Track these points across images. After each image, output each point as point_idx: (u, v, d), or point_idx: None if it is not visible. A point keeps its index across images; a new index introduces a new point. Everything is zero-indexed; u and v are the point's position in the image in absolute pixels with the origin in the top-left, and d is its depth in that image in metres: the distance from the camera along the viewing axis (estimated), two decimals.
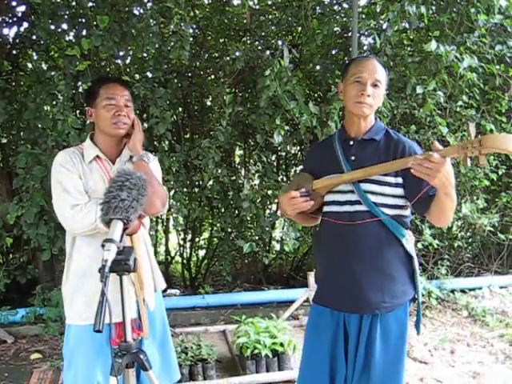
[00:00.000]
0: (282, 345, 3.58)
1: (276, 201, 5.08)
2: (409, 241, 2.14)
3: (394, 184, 2.07)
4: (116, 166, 2.22)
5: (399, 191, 2.08)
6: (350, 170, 2.11)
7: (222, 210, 5.34)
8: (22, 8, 4.48)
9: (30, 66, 4.67)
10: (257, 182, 4.99)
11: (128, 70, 4.58)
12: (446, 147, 1.84)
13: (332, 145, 2.22)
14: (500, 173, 5.30)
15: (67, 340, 2.23)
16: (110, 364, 2.15)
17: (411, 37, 5.00)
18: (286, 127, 4.23)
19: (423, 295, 5.09)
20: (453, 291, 5.27)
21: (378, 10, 4.75)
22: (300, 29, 5.29)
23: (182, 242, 5.79)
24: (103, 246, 1.60)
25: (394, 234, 2.08)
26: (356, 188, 2.08)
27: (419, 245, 5.05)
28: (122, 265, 1.64)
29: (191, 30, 4.82)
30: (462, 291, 5.36)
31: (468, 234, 5.89)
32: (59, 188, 2.13)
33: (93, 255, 2.13)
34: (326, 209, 2.20)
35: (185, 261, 5.84)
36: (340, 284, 2.14)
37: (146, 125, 4.63)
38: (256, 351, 3.53)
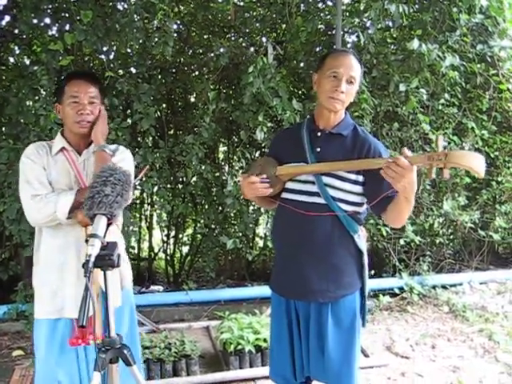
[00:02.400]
0: (265, 340, 3.59)
1: None
2: (361, 237, 2.20)
3: (354, 181, 2.11)
4: (83, 157, 2.23)
5: (358, 189, 2.12)
6: (315, 160, 2.14)
7: (206, 207, 5.34)
8: (3, 1, 4.42)
9: (12, 60, 4.61)
10: (241, 178, 4.98)
11: (112, 65, 4.55)
12: (415, 154, 1.88)
13: (299, 133, 2.25)
14: None
15: (35, 335, 2.24)
16: (74, 364, 2.17)
17: (394, 35, 5.03)
18: (270, 124, 4.24)
19: (405, 291, 5.15)
20: (434, 287, 5.32)
21: (361, 8, 4.77)
22: (284, 26, 5.29)
23: (165, 239, 5.77)
24: (87, 241, 1.61)
25: (347, 230, 2.14)
26: (317, 180, 2.12)
27: (401, 241, 5.10)
28: (106, 260, 1.65)
29: (175, 26, 4.83)
30: (443, 287, 5.42)
31: (449, 230, 5.96)
32: (22, 179, 2.15)
33: (58, 247, 2.15)
34: (284, 195, 2.24)
35: (168, 257, 5.83)
36: (289, 272, 2.22)
37: (129, 120, 4.61)
38: (239, 347, 3.55)
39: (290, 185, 2.21)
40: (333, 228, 2.12)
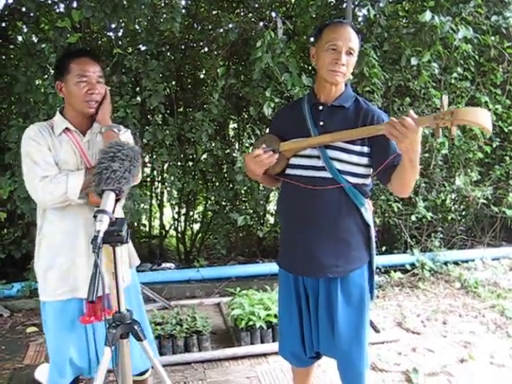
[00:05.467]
0: (276, 316, 3.60)
1: None
2: (367, 209, 2.20)
3: (360, 153, 2.10)
4: (87, 138, 2.20)
5: (365, 160, 2.12)
6: (318, 134, 2.13)
7: (216, 184, 5.33)
8: None
9: (19, 38, 4.59)
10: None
11: (120, 42, 4.52)
12: (421, 116, 1.88)
13: (301, 108, 2.23)
14: (494, 145, 5.31)
15: (44, 316, 2.25)
16: (84, 339, 2.19)
17: (406, 8, 4.94)
18: (278, 100, 4.20)
19: (416, 267, 5.14)
20: (446, 263, 5.31)
21: None
22: (294, 0, 5.21)
23: (176, 216, 5.78)
24: (95, 216, 1.60)
25: (353, 202, 2.13)
26: (322, 154, 2.11)
27: (413, 217, 5.08)
28: (115, 236, 1.65)
29: (183, 2, 4.77)
30: (455, 263, 5.40)
31: (461, 206, 5.92)
32: (28, 160, 2.11)
33: (66, 230, 2.14)
34: (289, 171, 2.23)
35: (179, 234, 5.85)
36: (296, 247, 2.21)
37: (138, 98, 4.59)
38: (250, 323, 3.56)
39: (294, 160, 2.20)
40: (340, 201, 2.11)
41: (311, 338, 2.28)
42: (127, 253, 2.31)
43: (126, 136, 2.28)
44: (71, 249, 2.15)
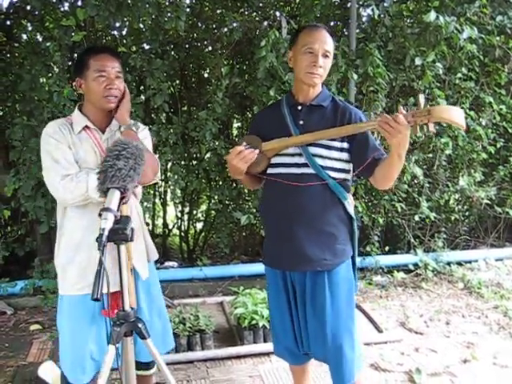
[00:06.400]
0: None
1: None
2: (350, 204, 2.26)
3: (340, 148, 2.19)
4: (106, 136, 2.20)
5: (345, 156, 2.21)
6: (299, 133, 2.20)
7: (220, 183, 5.33)
8: None
9: (24, 37, 4.60)
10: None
11: (124, 41, 4.52)
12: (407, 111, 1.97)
13: (280, 110, 2.30)
14: (498, 146, 5.30)
15: (61, 311, 2.24)
16: (104, 334, 2.20)
17: (411, 8, 4.93)
18: None
19: (419, 267, 5.14)
20: (449, 263, 5.30)
21: None
22: (298, 0, 5.21)
23: (179, 215, 5.79)
24: (100, 214, 1.61)
25: (337, 197, 2.20)
26: (304, 151, 2.18)
27: (416, 217, 5.07)
28: (120, 234, 1.65)
29: (188, 1, 4.77)
30: (458, 264, 5.39)
31: (465, 207, 5.90)
32: (49, 159, 2.11)
33: (85, 227, 2.13)
34: (271, 170, 2.29)
35: (182, 233, 5.85)
36: (283, 243, 2.25)
37: (143, 97, 4.59)
38: (253, 322, 3.56)
39: (276, 159, 2.26)
40: (324, 196, 2.18)
41: (301, 333, 2.33)
42: (144, 247, 2.33)
43: (143, 134, 2.29)
44: (90, 246, 2.14)
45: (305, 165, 2.18)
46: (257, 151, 2.18)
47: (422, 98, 1.95)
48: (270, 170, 2.29)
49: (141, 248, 2.28)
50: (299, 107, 2.25)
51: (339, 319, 2.22)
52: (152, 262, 2.42)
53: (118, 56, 2.22)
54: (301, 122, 2.22)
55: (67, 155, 2.11)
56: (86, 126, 2.18)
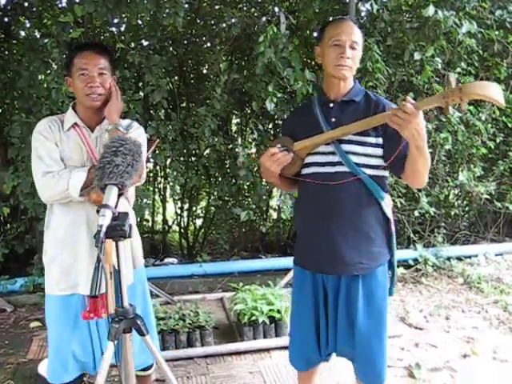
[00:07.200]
0: (278, 311, 3.61)
1: None
2: (387, 204, 2.17)
3: (375, 144, 2.10)
4: (95, 134, 2.20)
5: (380, 151, 2.11)
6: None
7: (219, 179, 5.32)
8: None
9: (22, 33, 4.58)
10: (254, 150, 4.97)
11: (123, 37, 4.51)
12: (426, 98, 1.90)
13: (312, 109, 2.24)
14: (498, 141, 5.30)
15: (46, 309, 2.27)
16: (87, 334, 2.20)
17: (409, 2, 4.91)
18: (282, 94, 4.19)
19: (419, 262, 5.14)
20: (449, 258, 5.30)
21: None
22: None
23: (179, 211, 5.78)
24: (98, 211, 1.60)
25: (373, 195, 2.12)
26: (337, 149, 2.10)
27: (416, 213, 5.07)
28: (118, 230, 1.64)
29: None
30: (458, 259, 5.39)
31: (465, 202, 5.91)
32: (34, 155, 2.13)
33: (68, 224, 2.15)
34: (305, 171, 2.22)
35: (182, 230, 5.85)
36: (318, 245, 2.18)
37: (141, 93, 4.58)
38: (253, 318, 3.56)
39: (310, 159, 2.18)
40: (360, 193, 2.10)
41: (327, 338, 2.24)
42: (130, 254, 2.29)
43: (137, 133, 2.27)
44: (73, 245, 2.16)
45: (339, 163, 2.10)
46: (291, 155, 2.12)
47: (452, 76, 1.84)
48: (303, 171, 2.22)
49: (126, 254, 2.25)
50: (331, 104, 2.18)
51: (370, 324, 2.15)
52: (139, 268, 2.38)
53: (104, 52, 2.20)
54: (333, 120, 2.15)
55: (52, 152, 2.12)
56: (76, 124, 2.18)
